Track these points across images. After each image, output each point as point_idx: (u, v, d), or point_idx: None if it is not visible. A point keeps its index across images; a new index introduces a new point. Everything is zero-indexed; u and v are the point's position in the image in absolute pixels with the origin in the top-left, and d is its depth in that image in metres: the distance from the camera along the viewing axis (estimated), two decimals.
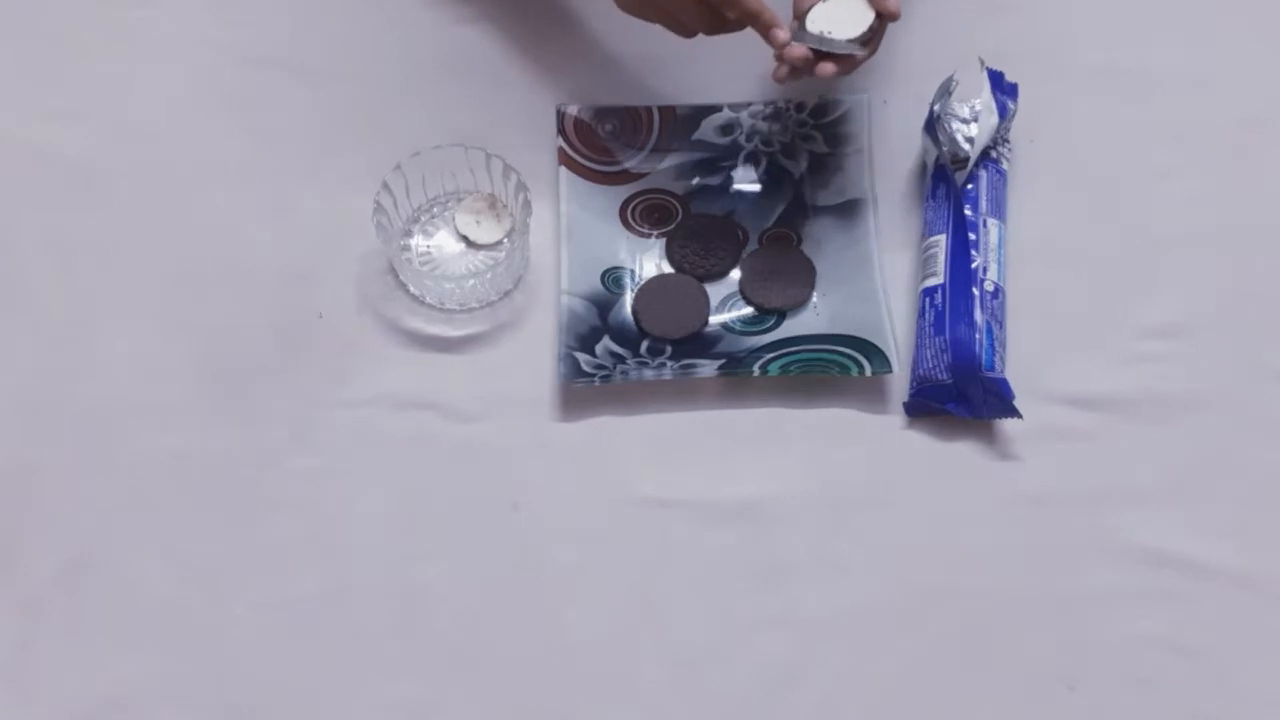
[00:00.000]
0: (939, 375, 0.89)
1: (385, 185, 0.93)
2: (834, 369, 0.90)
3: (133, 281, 0.95)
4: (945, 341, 0.89)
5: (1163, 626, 0.86)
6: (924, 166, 0.98)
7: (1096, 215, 0.98)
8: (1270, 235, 0.98)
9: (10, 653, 0.85)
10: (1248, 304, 0.95)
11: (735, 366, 0.92)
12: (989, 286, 0.91)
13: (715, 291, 0.96)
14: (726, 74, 1.01)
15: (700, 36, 0.91)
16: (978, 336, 0.89)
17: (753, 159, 1.00)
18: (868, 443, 0.91)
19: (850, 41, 0.89)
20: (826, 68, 0.89)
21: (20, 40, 1.04)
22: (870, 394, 0.92)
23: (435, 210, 0.98)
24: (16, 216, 0.98)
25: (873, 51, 0.91)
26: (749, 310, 0.96)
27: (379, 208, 0.92)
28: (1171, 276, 0.96)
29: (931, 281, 0.92)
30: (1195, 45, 1.04)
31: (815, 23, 0.89)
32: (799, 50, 0.89)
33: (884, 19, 0.89)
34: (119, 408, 0.91)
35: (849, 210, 0.97)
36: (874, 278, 0.94)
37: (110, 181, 0.99)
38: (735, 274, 0.97)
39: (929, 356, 0.90)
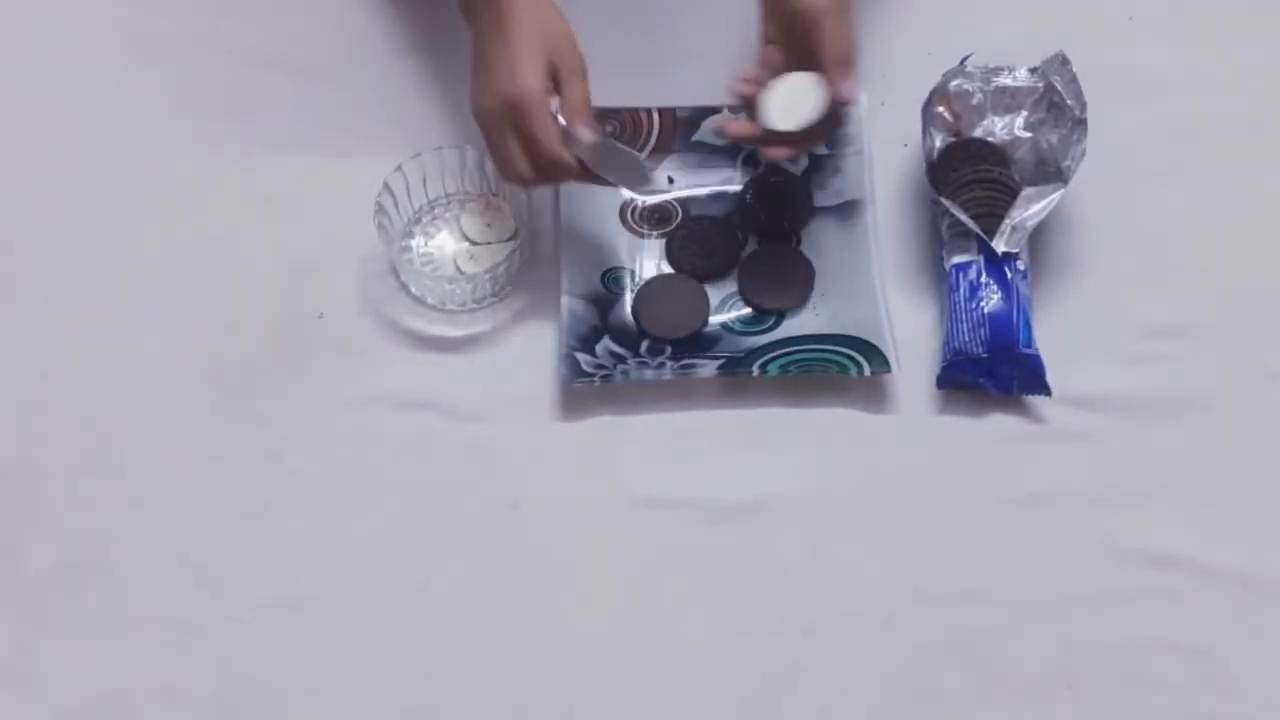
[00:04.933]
0: (975, 349, 0.90)
1: (386, 186, 0.93)
2: (833, 369, 0.91)
3: (133, 281, 0.95)
4: (983, 315, 0.90)
5: (1162, 626, 0.86)
6: (921, 168, 0.98)
7: (1095, 215, 0.98)
8: (1270, 235, 0.98)
9: (10, 653, 0.85)
10: (1248, 304, 0.95)
11: (735, 366, 0.92)
12: (1021, 266, 0.92)
13: (715, 291, 0.96)
14: (726, 76, 1.01)
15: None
16: (1015, 312, 0.90)
17: (751, 160, 1.00)
18: (867, 443, 0.91)
19: (798, 130, 0.88)
20: (777, 152, 0.90)
21: (20, 40, 1.04)
22: (869, 394, 0.92)
23: (436, 211, 0.98)
24: (16, 216, 0.98)
25: (835, 126, 0.91)
26: (748, 310, 0.96)
27: (380, 209, 0.92)
28: (1171, 276, 0.96)
29: (964, 257, 0.92)
30: (1196, 46, 1.04)
31: (765, 110, 0.89)
32: (738, 127, 0.91)
33: (838, 105, 0.88)
34: (119, 408, 0.91)
35: (848, 211, 0.97)
36: (872, 278, 0.94)
37: (110, 181, 0.99)
38: (735, 274, 0.97)
39: (965, 330, 0.90)
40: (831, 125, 0.90)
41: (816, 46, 0.87)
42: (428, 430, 0.91)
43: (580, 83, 0.88)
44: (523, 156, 0.87)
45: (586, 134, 0.87)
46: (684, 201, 0.99)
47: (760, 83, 0.90)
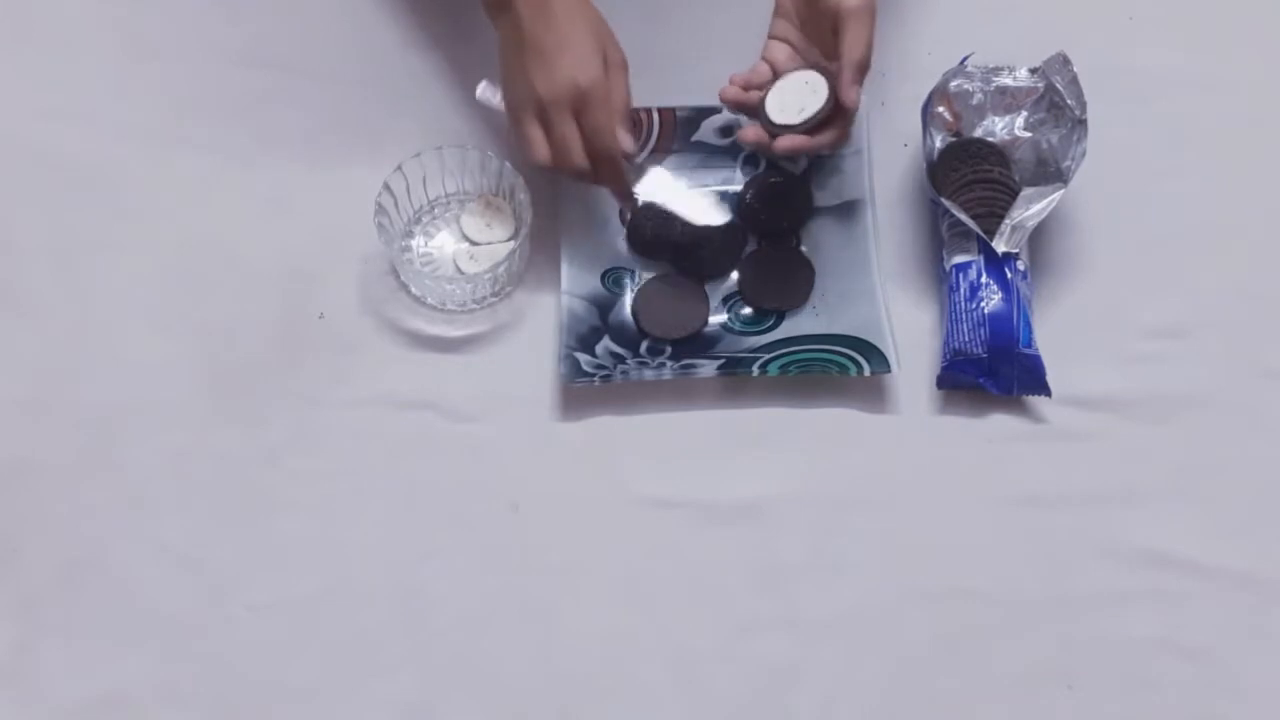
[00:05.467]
0: (975, 349, 0.90)
1: (386, 186, 0.93)
2: (833, 369, 0.91)
3: (133, 281, 0.95)
4: (983, 315, 0.90)
5: (1162, 627, 0.86)
6: (921, 168, 0.98)
7: (1095, 215, 0.98)
8: (1270, 235, 0.98)
9: (10, 653, 0.85)
10: (1248, 304, 0.95)
11: (735, 366, 0.92)
12: (1021, 266, 0.92)
13: (715, 291, 0.96)
14: (726, 76, 1.01)
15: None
16: (1015, 312, 0.90)
17: (751, 160, 1.00)
18: (867, 443, 0.91)
19: (800, 124, 0.89)
20: (783, 144, 0.90)
21: (20, 40, 1.04)
22: (869, 394, 0.92)
23: (436, 211, 0.98)
24: (16, 216, 0.98)
25: (839, 137, 0.91)
26: (748, 310, 0.96)
27: (380, 209, 0.92)
28: (1171, 276, 0.96)
29: (964, 257, 0.92)
30: (1195, 46, 1.04)
31: (767, 104, 0.90)
32: (753, 134, 0.91)
33: (841, 109, 0.89)
34: (119, 408, 0.91)
35: (848, 211, 0.97)
36: (872, 277, 0.94)
37: (110, 181, 0.99)
38: (735, 274, 0.97)
39: (965, 330, 0.90)
40: (838, 137, 0.90)
41: (837, 46, 0.87)
42: (427, 430, 0.91)
43: (623, 78, 0.89)
44: (580, 147, 0.86)
45: (627, 141, 0.88)
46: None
47: (753, 87, 0.91)
